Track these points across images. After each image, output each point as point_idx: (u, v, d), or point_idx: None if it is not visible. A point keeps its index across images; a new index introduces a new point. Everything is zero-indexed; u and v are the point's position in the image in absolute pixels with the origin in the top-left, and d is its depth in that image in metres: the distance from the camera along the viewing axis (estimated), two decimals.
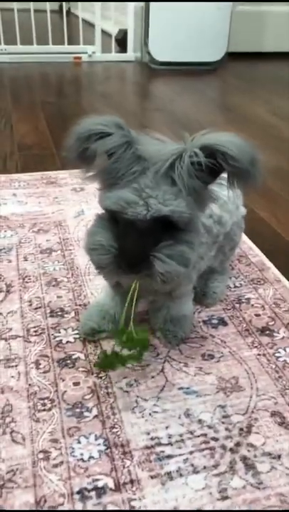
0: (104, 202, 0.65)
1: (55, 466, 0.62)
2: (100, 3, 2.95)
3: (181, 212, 0.63)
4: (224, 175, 0.65)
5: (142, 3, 2.85)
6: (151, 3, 2.77)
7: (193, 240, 0.67)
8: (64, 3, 3.39)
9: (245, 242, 1.12)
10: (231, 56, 3.10)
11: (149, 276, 0.64)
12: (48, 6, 2.91)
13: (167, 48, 2.90)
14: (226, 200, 0.84)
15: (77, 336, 0.83)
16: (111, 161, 0.63)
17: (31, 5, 2.84)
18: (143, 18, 2.90)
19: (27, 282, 0.97)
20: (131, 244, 0.63)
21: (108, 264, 0.65)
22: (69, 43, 3.03)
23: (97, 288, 0.96)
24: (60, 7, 4.17)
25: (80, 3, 3.10)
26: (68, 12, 4.29)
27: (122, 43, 3.13)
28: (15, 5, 2.81)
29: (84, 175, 0.68)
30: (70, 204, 1.28)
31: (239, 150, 0.60)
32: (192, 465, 0.63)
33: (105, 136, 0.62)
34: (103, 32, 3.08)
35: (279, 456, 0.65)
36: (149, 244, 0.63)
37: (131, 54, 3.07)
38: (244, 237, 1.10)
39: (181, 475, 0.62)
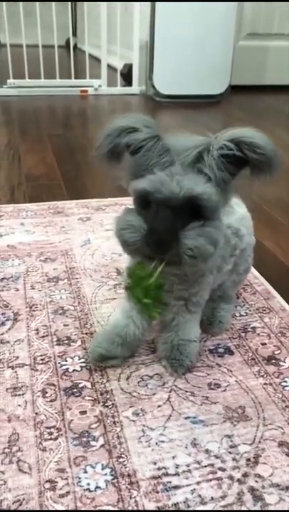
0: (139, 185, 0.68)
1: (62, 496, 0.62)
2: (106, 39, 3.04)
3: (210, 194, 0.66)
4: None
5: (147, 38, 2.94)
6: (156, 39, 2.85)
7: (219, 226, 0.71)
8: (71, 39, 3.49)
9: (251, 271, 1.13)
10: (234, 89, 3.18)
11: (177, 255, 0.66)
12: (55, 41, 3.00)
13: (171, 81, 2.98)
14: (244, 215, 0.89)
15: (84, 365, 0.84)
16: (141, 153, 0.67)
17: (39, 41, 2.93)
18: (148, 52, 2.98)
19: (34, 311, 0.98)
20: (161, 223, 0.66)
21: (137, 242, 0.68)
22: (76, 77, 3.12)
23: (104, 316, 0.96)
24: (67, 42, 4.30)
25: (86, 39, 3.20)
26: (75, 47, 4.42)
27: (127, 77, 3.21)
28: (24, 41, 2.90)
29: (113, 170, 0.72)
30: (77, 233, 1.29)
31: (263, 140, 0.66)
32: (199, 496, 0.63)
33: (135, 131, 0.67)
34: (109, 66, 3.17)
35: (287, 488, 0.64)
36: (178, 224, 0.66)
37: (136, 87, 3.15)
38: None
39: (188, 506, 0.61)
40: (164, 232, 0.66)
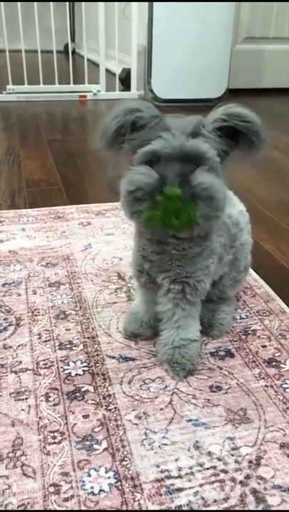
0: (146, 148, 0.71)
1: (66, 499, 0.63)
2: (104, 44, 3.06)
3: (213, 155, 0.71)
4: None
5: (145, 43, 2.95)
6: (154, 43, 2.87)
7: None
8: (70, 45, 3.50)
9: (250, 274, 1.14)
10: (232, 92, 3.19)
11: (192, 195, 0.68)
12: (54, 47, 3.02)
13: (169, 85, 2.99)
14: (243, 211, 0.93)
15: (86, 369, 0.84)
16: (146, 130, 0.72)
17: (38, 46, 2.95)
18: (146, 57, 3.00)
19: (36, 315, 0.98)
20: (171, 169, 0.69)
21: (149, 186, 0.69)
22: (74, 82, 3.13)
23: (105, 320, 0.97)
24: (66, 48, 4.32)
25: (85, 45, 3.21)
26: (73, 52, 4.44)
27: (125, 82, 3.23)
28: (22, 46, 2.92)
29: (117, 153, 0.76)
30: (78, 238, 1.30)
31: (250, 113, 0.72)
32: (202, 498, 0.63)
33: (139, 111, 0.73)
34: (107, 71, 3.18)
35: None
36: (187, 169, 0.69)
37: (134, 92, 3.16)
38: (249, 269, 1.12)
39: (191, 508, 0.62)
40: (174, 176, 0.68)
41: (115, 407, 0.77)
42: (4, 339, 0.91)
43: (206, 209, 0.69)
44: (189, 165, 0.69)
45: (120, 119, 0.73)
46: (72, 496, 0.63)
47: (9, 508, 0.61)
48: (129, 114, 0.72)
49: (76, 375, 0.83)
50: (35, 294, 1.06)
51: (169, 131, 0.71)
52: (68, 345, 0.90)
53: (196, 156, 0.70)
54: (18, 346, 0.89)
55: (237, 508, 0.62)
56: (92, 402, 0.78)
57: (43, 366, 0.85)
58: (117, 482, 0.65)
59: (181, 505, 0.62)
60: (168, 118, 0.74)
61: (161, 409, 0.77)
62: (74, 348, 0.90)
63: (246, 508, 0.62)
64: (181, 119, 0.74)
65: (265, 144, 0.73)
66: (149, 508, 0.61)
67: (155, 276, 0.82)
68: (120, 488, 0.64)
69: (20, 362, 0.86)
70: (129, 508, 0.61)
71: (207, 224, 0.71)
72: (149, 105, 0.74)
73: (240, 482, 0.65)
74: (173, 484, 0.65)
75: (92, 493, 0.63)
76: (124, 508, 0.62)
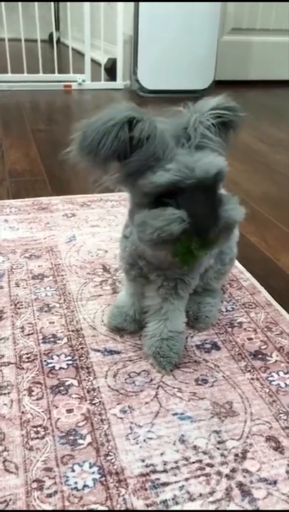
0: (160, 179, 0.63)
1: (49, 495, 0.61)
2: (89, 33, 3.01)
3: (225, 165, 0.67)
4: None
5: (131, 33, 2.92)
6: (140, 33, 2.83)
7: None
8: (54, 34, 3.46)
9: (236, 267, 1.13)
10: (218, 84, 3.18)
11: (224, 231, 0.66)
12: (38, 35, 2.97)
13: (156, 76, 2.96)
14: None
15: (71, 362, 0.83)
16: (149, 143, 0.62)
17: (22, 35, 2.90)
18: (132, 47, 2.96)
19: (19, 308, 0.97)
20: (205, 207, 0.63)
21: (183, 231, 0.63)
22: (59, 72, 3.08)
23: (90, 313, 0.96)
24: (50, 37, 4.26)
25: (70, 34, 3.16)
26: (58, 41, 4.38)
27: (111, 72, 3.19)
28: (6, 34, 2.86)
29: (111, 175, 0.67)
30: (62, 230, 1.28)
31: (232, 102, 0.71)
32: (188, 492, 0.62)
33: (138, 122, 0.61)
34: (93, 61, 3.14)
35: (275, 482, 0.64)
36: (218, 203, 0.65)
37: (120, 82, 3.13)
38: (235, 262, 1.11)
39: (177, 503, 0.61)
40: (211, 216, 0.64)
41: (100, 401, 0.75)
42: None
43: (229, 234, 0.69)
44: (214, 191, 0.66)
45: (117, 136, 0.60)
46: (56, 492, 0.62)
47: None
48: (126, 127, 0.60)
49: (60, 368, 0.82)
50: (18, 286, 1.04)
51: (180, 150, 0.64)
52: (52, 339, 0.89)
53: (218, 177, 0.66)
54: (1, 339, 0.88)
55: (223, 502, 0.61)
56: (76, 396, 0.76)
57: (26, 360, 0.83)
58: (101, 477, 0.64)
59: (166, 500, 0.61)
60: (158, 123, 0.65)
61: (147, 402, 0.76)
62: (58, 341, 0.88)
63: (232, 502, 0.61)
64: (172, 122, 0.67)
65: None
66: (134, 503, 0.61)
67: (148, 272, 0.80)
68: (105, 483, 0.63)
69: (3, 355, 0.84)
70: (114, 504, 0.61)
71: (226, 242, 0.73)
72: (145, 111, 0.63)
73: (226, 475, 0.65)
74: (158, 479, 0.64)
75: (76, 488, 0.62)
76: (108, 503, 0.61)
